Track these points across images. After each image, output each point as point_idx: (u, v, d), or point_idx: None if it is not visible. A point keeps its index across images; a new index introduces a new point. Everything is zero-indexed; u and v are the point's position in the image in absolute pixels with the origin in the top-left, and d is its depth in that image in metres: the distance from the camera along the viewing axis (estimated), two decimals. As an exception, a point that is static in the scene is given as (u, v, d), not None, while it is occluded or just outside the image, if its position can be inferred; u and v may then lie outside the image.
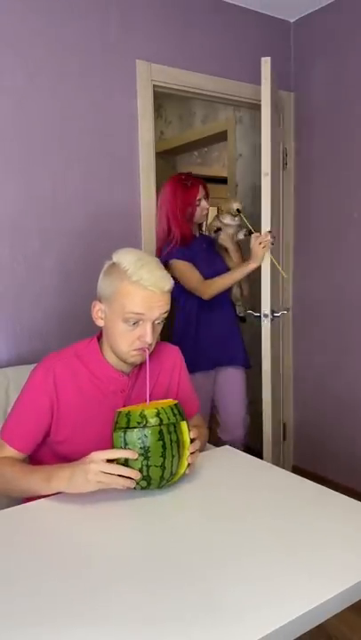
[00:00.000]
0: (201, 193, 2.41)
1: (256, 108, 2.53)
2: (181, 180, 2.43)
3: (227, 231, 2.50)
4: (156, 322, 1.33)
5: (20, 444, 1.34)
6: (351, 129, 2.60)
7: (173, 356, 1.52)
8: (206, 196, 2.44)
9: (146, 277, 1.27)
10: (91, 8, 2.18)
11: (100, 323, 1.37)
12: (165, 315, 1.34)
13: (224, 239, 2.49)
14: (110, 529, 1.10)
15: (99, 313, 1.37)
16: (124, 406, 1.37)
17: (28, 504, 1.21)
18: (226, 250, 2.52)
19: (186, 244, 2.38)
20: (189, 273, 2.36)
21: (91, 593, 0.88)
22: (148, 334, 1.30)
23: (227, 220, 2.47)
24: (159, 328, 1.36)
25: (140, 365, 1.41)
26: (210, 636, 0.78)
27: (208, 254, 2.48)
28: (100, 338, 1.43)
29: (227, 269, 2.43)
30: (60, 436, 1.36)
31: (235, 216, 2.45)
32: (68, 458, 1.32)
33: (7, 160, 2.03)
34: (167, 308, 1.33)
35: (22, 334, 2.11)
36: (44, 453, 1.40)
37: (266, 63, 2.21)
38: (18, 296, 2.09)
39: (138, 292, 1.28)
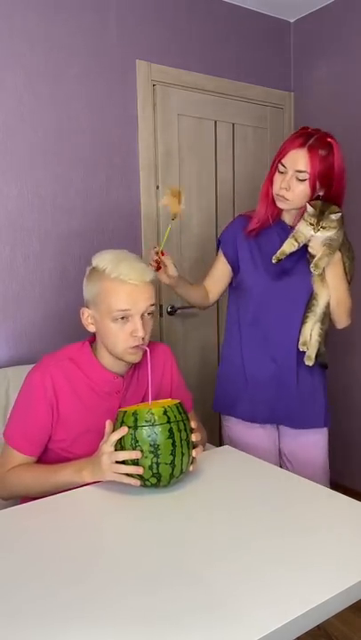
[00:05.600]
0: (300, 156, 1.52)
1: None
2: (301, 130, 1.61)
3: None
4: (146, 314, 1.33)
5: (30, 449, 1.35)
6: (351, 129, 2.60)
7: (164, 354, 1.53)
8: (311, 165, 1.52)
9: (125, 272, 1.29)
10: (91, 8, 2.18)
11: (92, 328, 1.37)
12: (153, 308, 1.34)
13: (312, 245, 1.58)
14: (109, 529, 1.10)
15: (88, 319, 1.37)
16: (120, 407, 1.37)
17: (28, 504, 1.21)
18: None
19: (262, 226, 1.66)
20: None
21: (90, 593, 0.88)
22: (139, 328, 1.31)
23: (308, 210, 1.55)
24: (150, 322, 1.36)
25: (135, 366, 1.42)
26: (210, 636, 0.78)
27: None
28: (92, 342, 1.43)
29: (302, 284, 1.62)
30: (58, 436, 1.37)
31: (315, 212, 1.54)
32: (67, 458, 1.32)
33: (7, 160, 2.03)
34: (153, 300, 1.34)
35: (22, 334, 2.11)
36: (44, 454, 1.40)
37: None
38: (18, 296, 2.09)
39: (120, 288, 1.29)
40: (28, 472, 1.31)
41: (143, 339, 1.33)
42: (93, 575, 0.93)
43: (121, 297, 1.29)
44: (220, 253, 1.76)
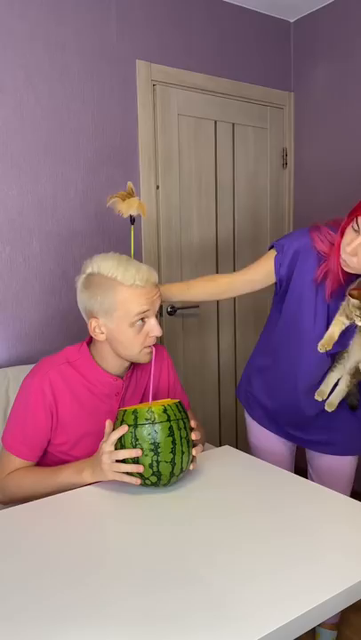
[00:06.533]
0: None
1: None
2: None
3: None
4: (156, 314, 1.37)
5: (29, 454, 1.35)
6: (351, 129, 2.60)
7: (161, 355, 1.53)
8: None
9: (138, 277, 1.30)
10: (91, 8, 2.17)
11: (102, 337, 1.34)
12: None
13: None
14: (110, 529, 1.10)
15: (97, 329, 1.34)
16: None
17: (28, 504, 1.21)
18: None
19: (333, 289, 1.39)
20: (256, 261, 1.55)
21: (91, 593, 0.88)
22: (157, 327, 1.33)
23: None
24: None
25: (133, 367, 1.43)
26: (210, 637, 0.78)
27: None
28: (88, 343, 1.43)
29: (343, 340, 1.42)
30: (58, 440, 1.37)
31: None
32: (68, 461, 1.33)
33: (7, 160, 2.03)
34: (161, 297, 1.39)
35: (22, 334, 2.11)
36: (43, 458, 1.40)
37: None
38: (18, 296, 2.09)
39: (138, 293, 1.30)
40: (27, 476, 1.31)
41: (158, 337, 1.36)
42: (94, 575, 0.93)
43: (140, 301, 1.30)
44: (271, 267, 1.49)
